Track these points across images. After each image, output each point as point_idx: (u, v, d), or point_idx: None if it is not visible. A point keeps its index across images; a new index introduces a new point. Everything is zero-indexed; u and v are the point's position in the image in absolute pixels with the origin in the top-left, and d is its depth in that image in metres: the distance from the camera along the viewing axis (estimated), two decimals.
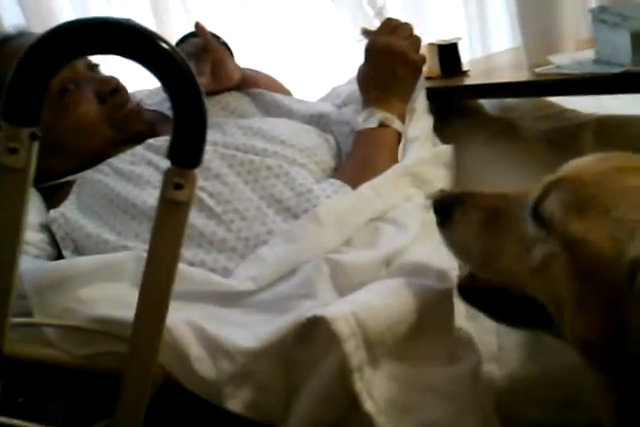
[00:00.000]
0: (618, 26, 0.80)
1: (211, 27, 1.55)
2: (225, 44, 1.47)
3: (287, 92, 1.26)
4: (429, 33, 1.86)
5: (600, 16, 0.85)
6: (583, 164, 0.56)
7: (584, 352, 0.51)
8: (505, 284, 0.59)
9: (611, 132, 1.04)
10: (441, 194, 0.67)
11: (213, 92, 1.03)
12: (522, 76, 0.99)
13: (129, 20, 0.55)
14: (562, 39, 0.98)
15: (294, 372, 0.66)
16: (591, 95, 0.90)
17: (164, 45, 0.55)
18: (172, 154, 0.58)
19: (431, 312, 0.70)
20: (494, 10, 1.86)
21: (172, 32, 1.56)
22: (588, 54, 0.90)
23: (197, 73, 0.95)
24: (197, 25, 1.04)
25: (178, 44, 1.13)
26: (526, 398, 0.72)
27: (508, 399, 0.72)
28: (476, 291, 0.64)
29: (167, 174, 0.58)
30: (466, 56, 1.84)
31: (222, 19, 1.67)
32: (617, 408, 0.47)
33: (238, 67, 1.08)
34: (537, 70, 0.94)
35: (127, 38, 0.53)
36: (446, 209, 0.63)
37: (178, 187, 0.58)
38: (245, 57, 1.48)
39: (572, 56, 0.93)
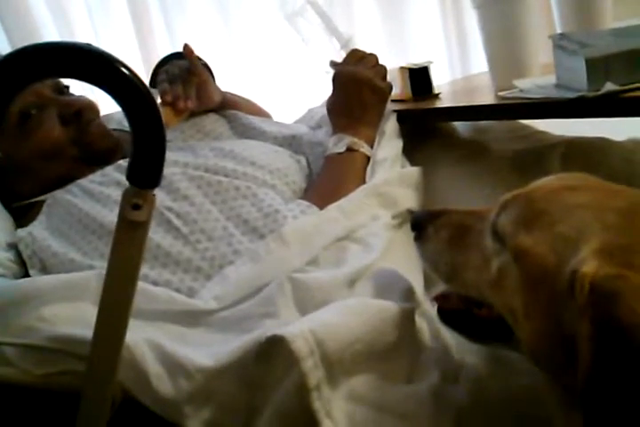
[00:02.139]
0: (575, 52, 0.83)
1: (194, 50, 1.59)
2: (207, 66, 1.51)
3: (266, 115, 1.28)
4: (410, 55, 1.91)
5: (559, 43, 0.88)
6: (541, 183, 0.59)
7: (536, 362, 0.53)
8: (471, 296, 0.62)
9: (578, 153, 1.06)
10: (418, 211, 0.72)
11: (193, 114, 1.06)
12: (488, 99, 1.01)
13: (89, 44, 0.57)
14: (526, 64, 1.01)
15: (254, 391, 0.67)
16: (552, 119, 0.92)
17: (123, 69, 0.57)
18: (131, 175, 0.60)
19: (392, 331, 0.71)
20: (472, 33, 1.90)
21: (156, 54, 1.60)
22: (550, 79, 0.92)
23: (185, 96, 0.99)
24: (186, 47, 1.07)
25: (160, 64, 1.16)
26: (487, 416, 0.72)
27: (469, 417, 0.73)
28: (453, 313, 0.67)
29: (125, 195, 0.59)
30: (446, 77, 1.90)
31: (205, 42, 1.71)
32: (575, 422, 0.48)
33: (218, 89, 1.10)
34: (500, 94, 0.97)
35: (86, 63, 0.55)
36: (421, 225, 0.67)
37: (136, 207, 0.59)
38: (226, 80, 1.51)
39: (535, 81, 0.95)
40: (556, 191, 0.56)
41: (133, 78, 0.57)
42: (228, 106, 1.13)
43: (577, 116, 0.85)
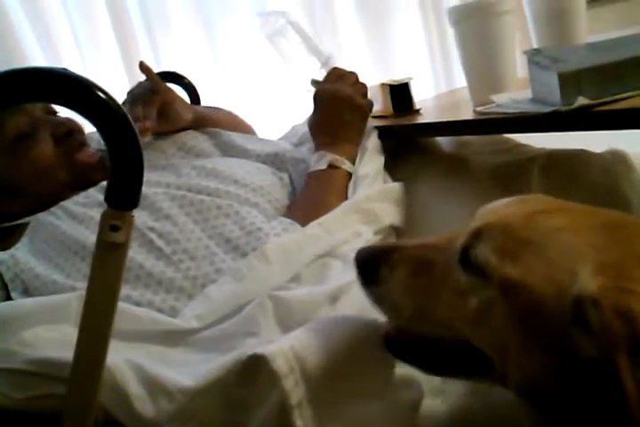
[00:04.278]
0: (548, 67, 0.85)
1: (179, 69, 1.61)
2: (190, 85, 1.52)
3: (248, 129, 1.29)
4: (395, 71, 1.94)
5: (534, 58, 0.89)
6: (501, 209, 0.57)
7: (530, 394, 0.51)
8: (439, 335, 0.57)
9: (558, 166, 1.07)
10: (362, 251, 0.62)
11: (166, 133, 1.06)
12: (466, 114, 1.03)
13: (65, 69, 0.58)
14: (502, 79, 1.02)
15: (237, 410, 0.67)
16: (528, 133, 0.93)
17: (100, 94, 0.57)
18: (109, 196, 0.60)
19: (373, 347, 0.71)
20: (456, 48, 1.93)
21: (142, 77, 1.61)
22: (526, 93, 0.94)
23: (144, 116, 0.99)
24: (142, 65, 1.06)
25: None
26: None
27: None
28: (404, 343, 0.63)
29: (104, 217, 0.60)
30: (431, 92, 1.92)
31: (189, 60, 1.73)
32: None
33: (189, 107, 1.11)
34: (478, 109, 0.98)
35: (62, 87, 0.56)
36: (371, 266, 0.60)
37: (114, 229, 0.60)
38: (210, 98, 1.53)
39: (512, 95, 0.97)
40: (531, 217, 0.52)
41: (109, 102, 0.58)
42: (205, 123, 1.13)
43: (552, 130, 0.87)
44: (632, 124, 0.79)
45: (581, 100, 0.80)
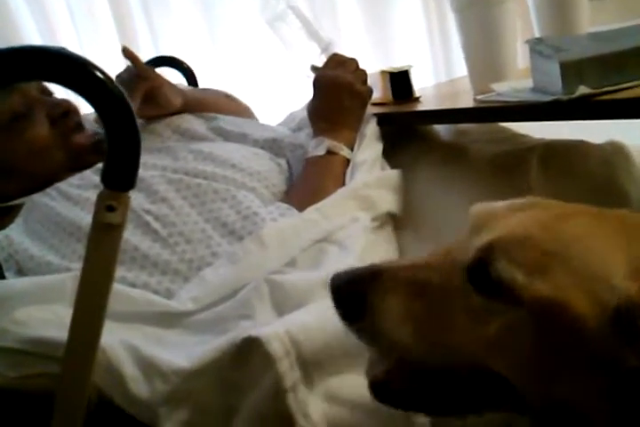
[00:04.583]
0: (550, 57, 0.84)
1: (177, 51, 1.59)
2: (188, 69, 1.50)
3: (246, 111, 1.28)
4: (394, 59, 1.93)
5: (536, 47, 0.89)
6: (502, 217, 0.50)
7: (560, 419, 0.46)
8: (448, 365, 0.50)
9: (556, 156, 1.07)
10: (339, 278, 0.52)
11: (157, 117, 1.05)
12: (466, 103, 1.03)
13: (62, 48, 0.57)
14: (504, 68, 1.02)
15: (231, 392, 0.67)
16: (529, 122, 0.93)
17: (98, 73, 0.57)
18: (105, 177, 0.60)
19: None
20: (456, 36, 1.92)
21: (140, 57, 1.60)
22: (527, 83, 0.93)
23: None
24: (125, 51, 1.03)
25: None
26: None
27: (443, 420, 0.74)
28: (395, 388, 0.54)
29: (100, 197, 0.60)
30: (430, 80, 1.91)
31: (188, 44, 1.71)
32: None
33: (179, 92, 1.09)
34: (478, 97, 0.98)
35: (60, 65, 0.55)
36: (354, 297, 0.51)
37: (110, 209, 0.59)
38: (209, 82, 1.52)
39: (512, 84, 0.96)
40: (548, 226, 0.48)
41: (107, 81, 0.57)
42: (199, 108, 1.12)
43: (552, 119, 0.86)
44: (633, 113, 0.79)
45: (583, 90, 0.80)
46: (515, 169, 1.05)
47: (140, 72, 1.01)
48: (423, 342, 0.50)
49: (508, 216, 0.50)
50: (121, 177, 0.59)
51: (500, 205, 0.53)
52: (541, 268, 0.45)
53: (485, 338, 0.46)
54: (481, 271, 0.46)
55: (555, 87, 0.84)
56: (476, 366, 0.48)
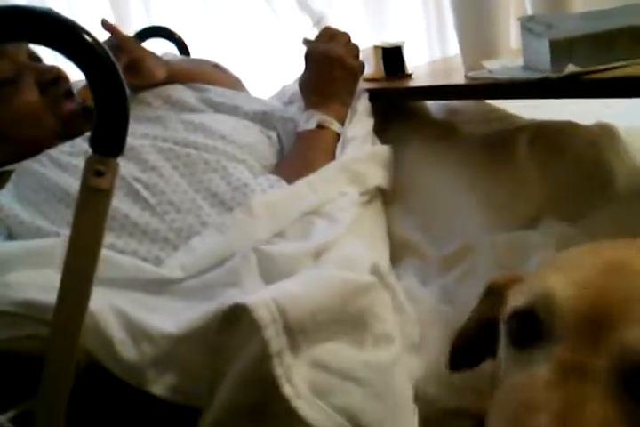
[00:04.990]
0: (541, 34, 0.85)
1: (169, 21, 1.57)
2: (180, 41, 1.49)
3: (236, 83, 1.27)
4: (389, 36, 1.91)
5: (527, 25, 0.89)
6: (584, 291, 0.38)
7: None
8: None
9: (545, 137, 1.08)
10: None
11: (143, 87, 1.05)
12: (457, 80, 1.03)
13: (50, 9, 0.57)
14: (495, 46, 1.02)
15: (218, 358, 0.68)
16: (519, 100, 0.94)
17: (85, 35, 0.57)
18: (94, 142, 0.60)
19: (354, 302, 0.73)
20: (451, 14, 1.91)
21: (132, 29, 1.58)
22: (519, 61, 0.94)
23: None
24: (104, 23, 1.01)
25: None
26: (445, 387, 0.75)
27: (426, 387, 0.76)
28: None
29: (88, 162, 0.60)
30: (425, 58, 1.91)
31: (181, 16, 1.70)
32: None
33: (163, 64, 1.08)
34: (469, 74, 0.98)
35: (48, 27, 0.55)
36: None
37: (99, 174, 0.60)
38: (202, 55, 1.51)
39: (504, 62, 0.97)
40: None
41: (95, 44, 0.57)
42: (186, 79, 1.11)
43: (541, 97, 0.87)
44: (621, 92, 0.80)
45: (571, 68, 0.81)
46: (504, 148, 1.06)
47: (121, 43, 1.00)
48: None
49: (623, 288, 0.38)
50: (109, 142, 0.60)
51: (591, 275, 0.40)
52: None
53: None
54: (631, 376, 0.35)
55: (544, 65, 0.84)
56: None
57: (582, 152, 1.02)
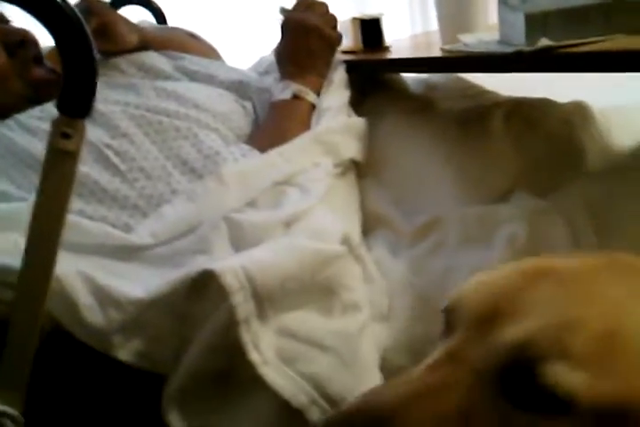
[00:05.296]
0: (516, 8, 0.84)
1: None
2: (157, 9, 1.46)
3: (211, 52, 1.25)
4: (371, 9, 1.89)
5: None
6: (519, 293, 0.38)
7: None
8: None
9: (520, 113, 1.08)
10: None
11: (114, 53, 1.03)
12: (435, 53, 1.02)
13: None
14: (473, 21, 1.02)
15: (185, 324, 0.68)
16: (492, 73, 0.94)
17: None
18: (61, 103, 0.59)
19: (323, 271, 0.73)
20: None
21: None
22: (495, 35, 0.93)
23: None
24: None
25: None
26: (412, 354, 0.76)
27: (394, 357, 0.77)
28: None
29: (55, 124, 0.59)
30: (407, 33, 1.89)
31: None
32: None
33: (136, 30, 1.06)
34: (444, 47, 0.98)
35: None
36: None
37: (65, 136, 0.59)
38: (179, 23, 1.48)
39: (480, 36, 0.97)
40: (589, 298, 0.37)
41: (62, 4, 0.56)
42: (160, 46, 1.09)
43: (514, 71, 0.87)
44: (594, 67, 0.80)
45: (544, 42, 0.81)
46: (478, 123, 1.06)
47: (91, 7, 0.98)
48: None
49: (526, 290, 0.38)
50: (77, 103, 0.59)
51: (502, 277, 0.41)
52: (597, 360, 0.34)
53: None
54: (519, 378, 0.35)
55: (519, 39, 0.84)
56: None
57: (556, 129, 1.03)
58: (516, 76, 1.18)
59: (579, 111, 1.06)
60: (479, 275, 0.42)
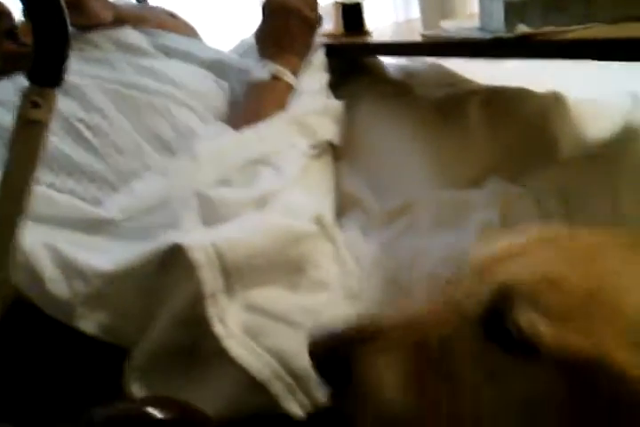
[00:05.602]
0: None
1: None
2: None
3: (190, 30, 1.24)
4: None
5: None
6: (508, 252, 0.42)
7: None
8: None
9: (496, 101, 1.09)
10: (320, 344, 0.44)
11: (85, 28, 1.01)
12: (414, 38, 1.03)
13: None
14: (454, 9, 1.02)
15: (152, 298, 0.68)
16: (470, 58, 0.94)
17: None
18: (32, 72, 0.58)
19: (293, 249, 0.74)
20: None
21: None
22: (475, 23, 0.94)
23: None
24: None
25: None
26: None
27: None
28: None
29: (25, 93, 0.58)
30: (390, 19, 1.88)
31: None
32: None
33: (111, 6, 1.04)
34: (425, 33, 0.98)
35: None
36: (337, 365, 0.43)
37: (35, 105, 0.58)
38: (160, 3, 1.46)
39: (460, 23, 0.97)
40: (575, 262, 0.40)
41: None
42: (142, 24, 1.08)
43: (492, 57, 0.88)
44: (571, 55, 0.81)
45: (522, 28, 0.81)
46: (455, 110, 1.07)
47: None
48: (430, 413, 0.41)
49: (519, 254, 0.42)
50: (47, 72, 0.58)
51: (502, 244, 0.44)
52: (570, 314, 0.37)
53: (505, 405, 0.39)
54: (498, 321, 0.39)
55: (498, 26, 0.85)
56: None
57: (531, 118, 1.04)
58: (496, 66, 1.19)
59: (554, 101, 1.07)
60: (489, 240, 0.45)
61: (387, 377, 0.41)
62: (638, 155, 0.92)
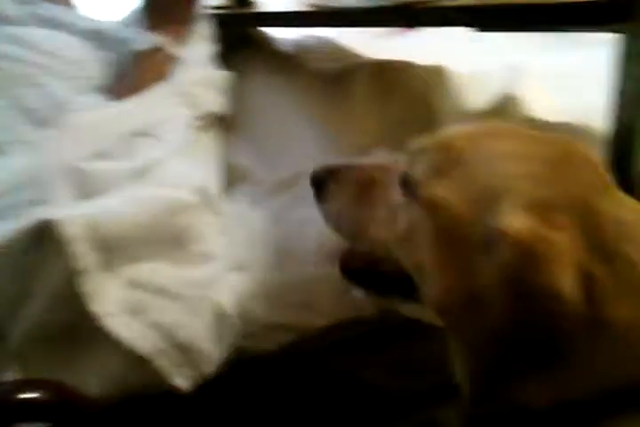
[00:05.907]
0: None
1: None
2: None
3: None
4: None
5: None
6: (460, 129, 0.52)
7: (440, 317, 0.48)
8: (377, 254, 0.56)
9: (383, 74, 1.10)
10: (318, 168, 0.61)
11: None
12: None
13: None
14: None
15: (25, 276, 0.65)
16: (356, 27, 0.94)
17: None
18: None
19: (173, 221, 0.72)
20: None
21: None
22: None
23: None
24: None
25: None
26: (269, 302, 0.76)
27: (250, 304, 0.76)
28: (355, 270, 0.61)
29: None
30: None
31: None
32: (473, 378, 0.43)
33: None
34: (310, 2, 0.98)
35: None
36: (322, 183, 0.60)
37: None
38: None
39: None
40: (473, 138, 0.49)
41: None
42: None
43: (376, 25, 0.89)
44: (449, 21, 0.83)
45: None
46: (343, 83, 1.08)
47: None
48: (359, 231, 0.56)
49: (455, 131, 0.51)
50: None
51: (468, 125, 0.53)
52: (445, 172, 0.47)
53: (397, 233, 0.51)
54: (406, 172, 0.51)
55: None
56: (391, 259, 0.52)
57: (415, 90, 1.06)
58: (385, 42, 1.20)
59: (437, 73, 1.10)
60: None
61: (343, 196, 0.58)
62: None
